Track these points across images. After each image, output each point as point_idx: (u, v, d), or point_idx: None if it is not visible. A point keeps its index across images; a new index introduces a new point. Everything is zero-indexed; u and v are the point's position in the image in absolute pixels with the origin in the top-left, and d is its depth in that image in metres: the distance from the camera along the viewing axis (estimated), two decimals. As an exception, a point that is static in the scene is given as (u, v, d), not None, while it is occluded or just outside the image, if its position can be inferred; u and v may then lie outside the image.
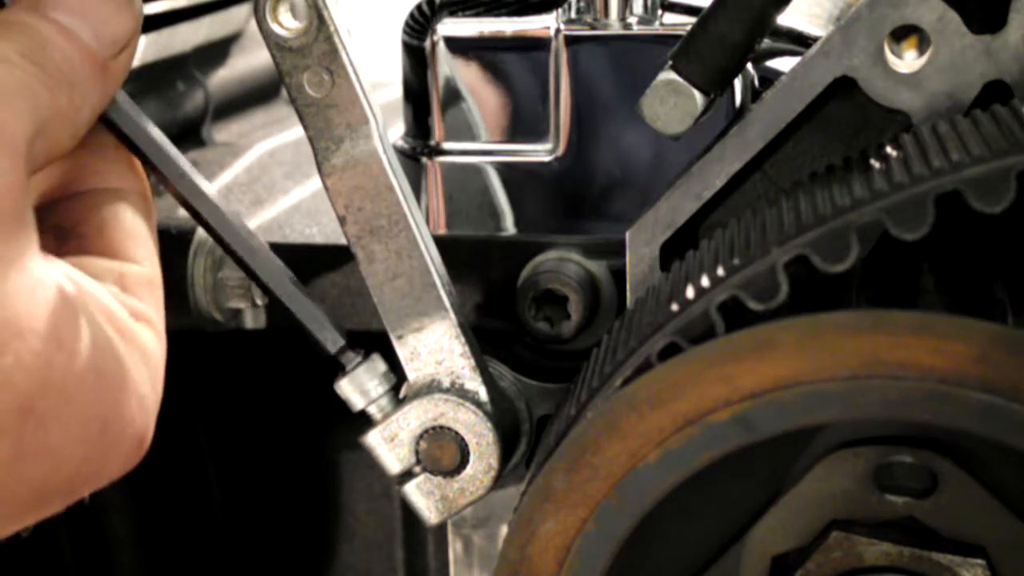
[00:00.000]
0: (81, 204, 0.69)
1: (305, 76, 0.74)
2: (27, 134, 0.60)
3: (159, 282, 0.69)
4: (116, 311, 0.64)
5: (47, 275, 0.59)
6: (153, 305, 0.67)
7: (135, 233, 0.69)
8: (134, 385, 0.63)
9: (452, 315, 0.77)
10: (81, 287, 0.63)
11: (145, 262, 0.69)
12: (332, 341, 0.77)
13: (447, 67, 0.90)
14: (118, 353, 0.62)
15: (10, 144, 0.59)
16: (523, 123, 0.90)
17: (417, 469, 0.78)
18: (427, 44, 0.90)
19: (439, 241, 0.79)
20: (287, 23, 0.73)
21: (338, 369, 0.77)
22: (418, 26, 0.91)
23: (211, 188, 0.74)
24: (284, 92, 1.28)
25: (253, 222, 0.98)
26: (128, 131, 0.71)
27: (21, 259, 0.58)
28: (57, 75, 0.62)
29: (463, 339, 0.77)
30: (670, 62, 0.74)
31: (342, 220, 0.76)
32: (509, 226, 0.91)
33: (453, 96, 0.91)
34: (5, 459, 0.57)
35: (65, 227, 0.67)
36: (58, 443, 0.59)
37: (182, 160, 0.73)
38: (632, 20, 0.89)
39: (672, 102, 0.73)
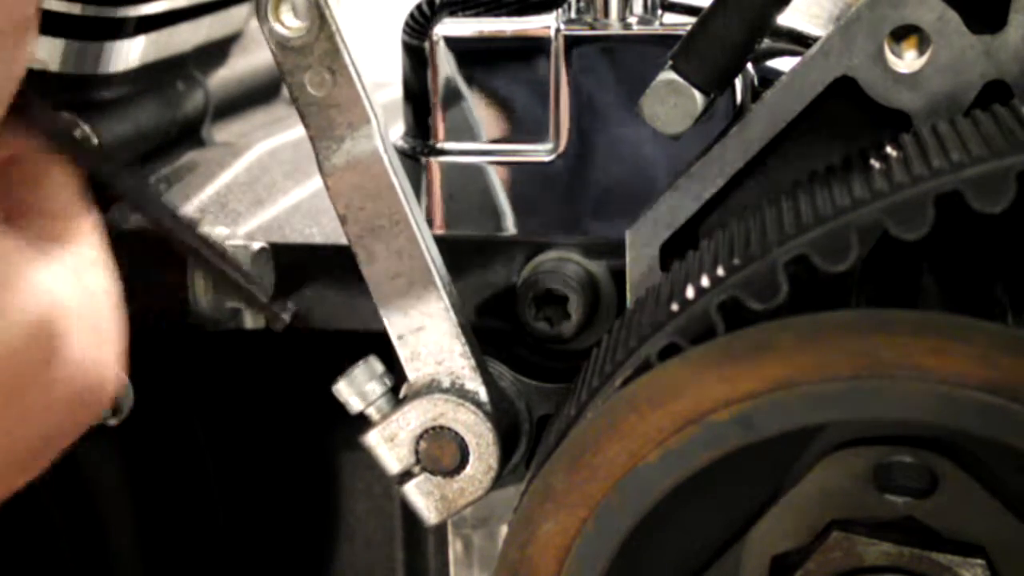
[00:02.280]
0: None
1: (307, 75, 0.74)
2: None
3: (96, 225, 0.68)
4: (78, 264, 0.64)
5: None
6: (98, 249, 0.67)
7: (56, 186, 0.68)
8: (111, 333, 0.63)
9: (452, 315, 0.77)
10: (45, 252, 0.62)
11: (71, 208, 0.67)
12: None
13: (447, 67, 0.90)
14: (97, 304, 0.62)
15: None
16: (523, 123, 0.90)
17: (417, 469, 0.78)
18: (427, 44, 0.90)
19: (439, 241, 0.79)
20: (289, 22, 0.73)
21: (338, 371, 0.77)
22: (418, 26, 0.91)
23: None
24: (284, 92, 1.29)
25: (253, 222, 0.97)
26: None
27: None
28: None
29: (463, 339, 0.77)
30: (670, 62, 0.74)
31: (343, 220, 0.76)
32: (509, 226, 0.90)
33: (453, 96, 0.91)
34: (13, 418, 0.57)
35: None
36: (58, 399, 0.59)
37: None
38: (632, 20, 0.89)
39: (672, 102, 0.73)
